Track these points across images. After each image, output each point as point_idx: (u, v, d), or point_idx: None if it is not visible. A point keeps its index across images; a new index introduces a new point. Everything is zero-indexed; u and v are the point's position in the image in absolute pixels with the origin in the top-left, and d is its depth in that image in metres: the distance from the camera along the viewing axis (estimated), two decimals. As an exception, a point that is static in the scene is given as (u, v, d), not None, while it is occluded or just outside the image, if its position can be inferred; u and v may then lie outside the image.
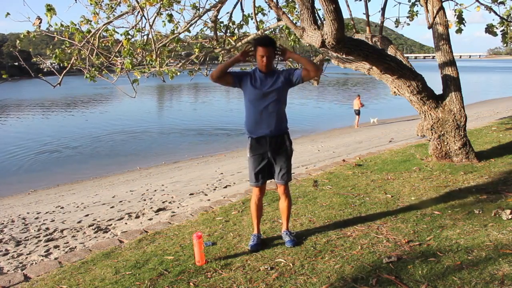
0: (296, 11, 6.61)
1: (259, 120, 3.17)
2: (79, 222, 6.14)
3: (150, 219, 5.64)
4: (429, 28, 6.05)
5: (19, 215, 7.11)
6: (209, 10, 6.16)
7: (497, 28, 7.19)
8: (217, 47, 6.69)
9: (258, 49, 3.09)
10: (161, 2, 5.25)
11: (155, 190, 7.95)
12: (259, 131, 3.19)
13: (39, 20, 5.06)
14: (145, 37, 5.78)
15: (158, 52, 5.84)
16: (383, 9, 6.71)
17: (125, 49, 5.60)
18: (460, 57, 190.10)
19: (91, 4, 5.73)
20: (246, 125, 3.26)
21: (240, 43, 6.68)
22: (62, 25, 5.65)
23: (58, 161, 13.30)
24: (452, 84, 5.81)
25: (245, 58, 3.27)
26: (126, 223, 5.67)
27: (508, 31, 7.38)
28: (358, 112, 16.99)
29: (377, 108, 24.09)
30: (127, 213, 6.24)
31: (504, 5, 6.98)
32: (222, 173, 9.09)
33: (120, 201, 7.28)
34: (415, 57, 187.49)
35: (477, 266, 2.72)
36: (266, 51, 3.07)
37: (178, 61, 6.84)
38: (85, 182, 10.60)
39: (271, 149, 3.21)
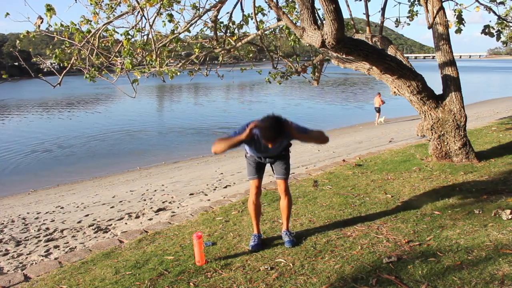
0: (296, 11, 6.61)
1: (260, 155, 3.33)
2: (79, 222, 6.14)
3: (150, 219, 5.64)
4: (429, 28, 6.05)
5: (19, 215, 7.11)
6: (209, 10, 6.15)
7: (494, 28, 7.19)
8: (217, 47, 6.69)
9: (264, 140, 2.97)
10: (161, 2, 5.25)
11: (155, 190, 7.95)
12: (259, 155, 3.34)
13: (41, 20, 5.06)
14: (145, 37, 5.77)
15: (158, 52, 5.84)
16: (383, 9, 6.71)
17: (125, 49, 5.60)
18: (460, 57, 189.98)
19: (91, 4, 5.73)
20: (246, 147, 3.34)
21: (240, 43, 6.68)
22: (62, 25, 5.65)
23: (58, 161, 13.30)
24: (452, 84, 5.81)
25: (249, 138, 3.09)
26: (126, 223, 5.67)
27: (504, 30, 7.37)
28: (378, 110, 17.13)
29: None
30: (127, 213, 6.24)
31: (504, 5, 6.98)
32: (222, 173, 9.09)
33: (120, 201, 7.28)
34: (415, 57, 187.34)
35: (477, 266, 2.72)
36: (272, 145, 2.98)
37: (178, 61, 6.83)
38: (85, 182, 10.60)
39: (270, 161, 3.39)
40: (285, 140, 3.21)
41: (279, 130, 2.89)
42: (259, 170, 3.38)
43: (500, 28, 7.17)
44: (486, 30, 6.88)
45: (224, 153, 3.22)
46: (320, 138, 3.14)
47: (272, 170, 3.43)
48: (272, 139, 2.90)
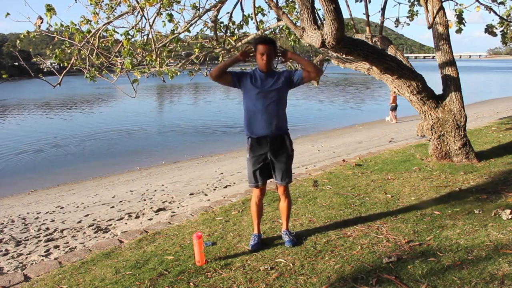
0: (296, 11, 6.61)
1: (259, 120, 3.14)
2: (79, 222, 6.14)
3: (150, 219, 5.64)
4: (429, 28, 6.05)
5: (19, 215, 7.11)
6: (209, 10, 6.16)
7: (496, 28, 7.19)
8: (217, 47, 6.69)
9: (258, 47, 3.08)
10: (161, 2, 5.25)
11: (155, 190, 7.95)
12: (259, 131, 3.17)
13: (41, 20, 5.07)
14: (145, 37, 5.78)
15: (158, 52, 5.84)
16: (383, 9, 6.71)
17: (125, 49, 5.60)
18: (460, 57, 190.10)
19: (91, 4, 5.73)
20: (246, 125, 3.24)
21: (240, 43, 6.68)
22: (62, 25, 5.65)
23: (58, 161, 13.29)
24: (452, 84, 5.81)
25: (245, 58, 3.25)
26: (126, 223, 5.67)
27: (508, 31, 7.38)
28: (394, 108, 17.12)
29: (376, 108, 24.08)
30: (127, 213, 6.24)
31: (504, 5, 6.99)
32: (222, 173, 9.09)
33: (120, 201, 7.28)
34: (415, 57, 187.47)
35: (477, 266, 2.72)
36: (266, 49, 3.05)
37: (178, 61, 6.84)
38: (85, 182, 10.60)
39: (272, 150, 3.20)
40: (281, 76, 3.15)
41: (271, 39, 3.15)
42: (260, 176, 3.25)
43: (504, 29, 7.19)
44: (489, 30, 6.89)
45: (221, 78, 3.17)
46: (312, 64, 3.22)
47: (273, 171, 3.28)
48: (265, 41, 3.08)
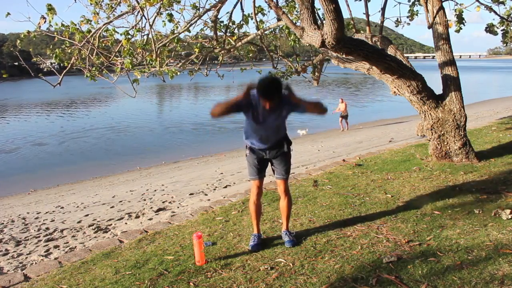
0: (296, 11, 6.61)
1: (259, 138, 3.23)
2: (79, 222, 6.14)
3: (150, 219, 5.64)
4: (429, 28, 6.05)
5: (19, 215, 7.11)
6: (209, 10, 6.15)
7: (497, 27, 7.19)
8: (217, 47, 6.69)
9: (261, 99, 2.97)
10: (161, 2, 5.25)
11: (155, 190, 7.95)
12: (258, 145, 3.26)
13: (44, 20, 5.08)
14: (145, 37, 5.77)
15: (158, 52, 5.84)
16: (383, 9, 6.70)
17: (125, 49, 5.60)
18: (460, 57, 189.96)
19: (91, 4, 5.73)
20: (245, 135, 3.32)
21: (240, 43, 6.68)
22: (62, 25, 5.65)
23: (58, 161, 13.30)
24: (452, 84, 5.81)
25: (247, 99, 3.07)
26: (126, 223, 5.67)
27: (509, 30, 7.38)
28: (345, 116, 16.07)
29: (376, 108, 24.11)
30: (127, 213, 6.24)
31: (504, 5, 6.98)
32: (222, 173, 9.09)
33: (120, 201, 7.28)
34: (415, 57, 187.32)
35: (477, 266, 2.72)
36: (270, 102, 2.95)
37: (178, 61, 6.84)
38: (85, 182, 10.60)
39: (270, 155, 3.32)
40: (284, 109, 3.12)
41: (276, 86, 2.90)
42: (260, 170, 3.34)
43: (505, 28, 7.18)
44: (490, 29, 6.89)
45: (222, 117, 3.13)
46: (319, 106, 3.11)
47: (273, 169, 3.39)
48: (270, 94, 2.90)
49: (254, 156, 3.32)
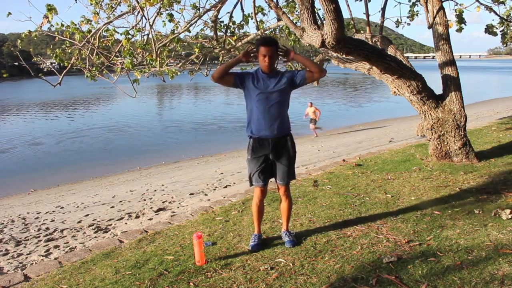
0: (296, 11, 6.61)
1: (261, 121, 3.13)
2: (79, 222, 6.14)
3: (150, 219, 5.64)
4: (429, 28, 6.04)
5: (19, 215, 7.11)
6: (209, 10, 6.15)
7: (497, 28, 7.18)
8: (217, 47, 6.69)
9: (260, 48, 3.06)
10: (161, 2, 5.25)
11: (155, 190, 7.95)
12: (261, 132, 3.16)
13: (47, 19, 5.09)
14: (145, 37, 5.78)
15: (158, 52, 5.84)
16: (383, 9, 6.71)
17: (125, 49, 5.61)
18: (460, 57, 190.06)
19: (91, 4, 5.73)
20: (248, 125, 3.23)
21: (240, 43, 6.68)
22: (62, 25, 5.66)
23: (58, 161, 13.30)
24: (452, 84, 5.81)
25: (247, 58, 3.19)
26: (126, 223, 5.67)
27: (508, 31, 7.38)
28: (314, 121, 15.34)
29: (376, 108, 24.10)
30: (127, 213, 6.24)
31: (504, 5, 6.98)
32: (222, 173, 9.09)
33: (120, 201, 7.28)
34: (415, 57, 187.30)
35: (477, 266, 2.72)
36: (268, 50, 3.04)
37: (178, 61, 6.84)
38: (85, 182, 10.60)
39: (273, 151, 3.20)
40: (284, 76, 3.13)
41: (273, 40, 3.14)
42: (265, 178, 3.23)
43: (504, 28, 7.18)
44: (490, 30, 6.88)
45: (223, 79, 3.15)
46: (315, 64, 3.21)
47: (275, 171, 3.28)
48: (268, 43, 3.07)
49: (256, 158, 3.20)
